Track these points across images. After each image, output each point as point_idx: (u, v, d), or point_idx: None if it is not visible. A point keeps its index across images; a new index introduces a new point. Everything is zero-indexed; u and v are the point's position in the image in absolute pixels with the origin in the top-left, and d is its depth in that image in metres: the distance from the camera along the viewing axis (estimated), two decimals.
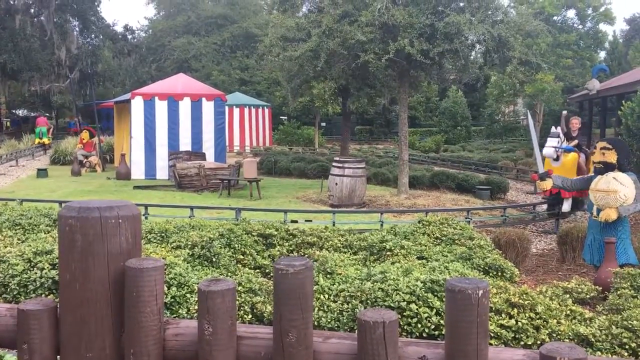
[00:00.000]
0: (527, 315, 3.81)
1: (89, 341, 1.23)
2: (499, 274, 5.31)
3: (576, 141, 10.32)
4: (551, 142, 10.22)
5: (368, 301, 4.29)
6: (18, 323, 1.27)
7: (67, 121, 42.22)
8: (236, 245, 6.50)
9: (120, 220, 1.26)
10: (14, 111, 49.84)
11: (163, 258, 4.93)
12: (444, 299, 3.94)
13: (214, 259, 6.03)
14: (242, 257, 6.37)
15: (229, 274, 5.64)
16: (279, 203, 12.22)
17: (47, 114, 50.64)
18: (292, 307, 1.14)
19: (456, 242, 6.24)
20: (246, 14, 42.70)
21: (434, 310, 3.91)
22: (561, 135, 10.28)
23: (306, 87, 15.67)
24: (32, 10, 33.97)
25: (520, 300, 3.92)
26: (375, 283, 4.44)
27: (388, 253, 5.98)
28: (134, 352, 1.21)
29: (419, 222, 6.93)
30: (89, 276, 1.23)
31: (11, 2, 32.02)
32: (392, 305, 4.17)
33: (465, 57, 11.22)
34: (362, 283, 4.47)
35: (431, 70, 12.60)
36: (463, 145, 29.83)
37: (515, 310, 3.86)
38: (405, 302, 4.03)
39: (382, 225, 8.64)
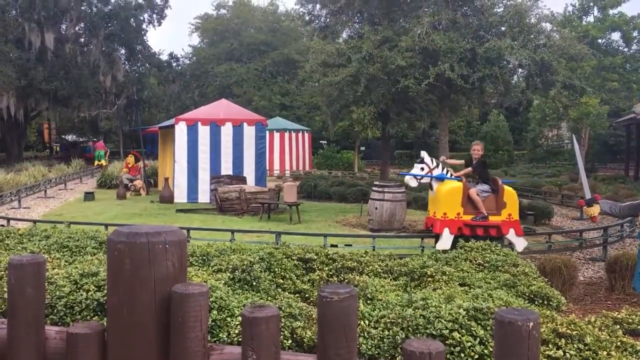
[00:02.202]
0: (575, 346, 3.67)
1: None
2: (545, 302, 5.15)
3: (469, 169, 9.27)
4: (415, 169, 9.38)
5: (409, 328, 4.22)
6: (67, 346, 1.30)
7: (83, 146, 43.32)
8: (276, 269, 6.51)
9: (167, 246, 1.28)
10: (63, 136, 51.60)
11: (204, 281, 4.97)
12: (487, 328, 3.84)
13: (254, 283, 6.04)
14: (282, 281, 6.37)
15: (269, 298, 5.64)
16: (318, 227, 12.22)
17: (95, 139, 52.27)
18: (336, 335, 1.13)
19: (499, 268, 6.10)
20: (287, 40, 43.41)
21: (478, 339, 3.81)
22: (430, 162, 9.37)
23: (346, 112, 15.76)
24: (82, 40, 35.34)
25: (568, 331, 3.79)
26: (416, 310, 4.37)
27: (429, 279, 5.88)
28: None
29: (460, 247, 6.81)
30: (136, 301, 1.25)
31: (62, 32, 33.38)
32: (434, 333, 4.08)
33: (506, 81, 11.11)
34: (403, 309, 4.40)
35: (472, 94, 12.51)
36: (505, 169, 29.33)
37: (563, 340, 3.73)
38: (447, 330, 3.94)
39: (422, 250, 8.52)
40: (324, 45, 12.89)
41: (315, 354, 1.23)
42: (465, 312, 4.08)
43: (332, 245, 8.48)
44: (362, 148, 34.18)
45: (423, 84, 10.48)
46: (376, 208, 11.56)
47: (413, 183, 9.33)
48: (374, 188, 12.02)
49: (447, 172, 9.32)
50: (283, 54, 41.45)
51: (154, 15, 36.91)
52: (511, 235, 8.71)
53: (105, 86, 34.20)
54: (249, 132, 17.38)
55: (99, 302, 5.00)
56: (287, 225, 12.59)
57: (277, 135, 28.41)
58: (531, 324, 1.02)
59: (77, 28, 34.22)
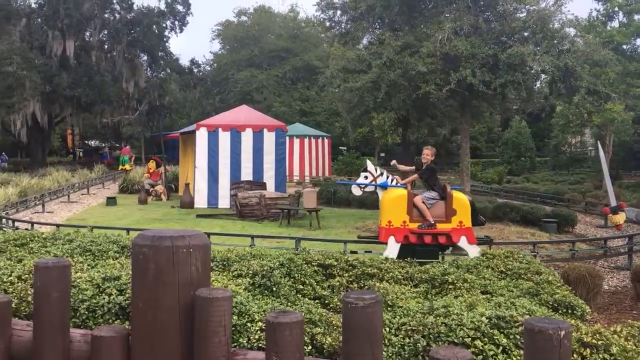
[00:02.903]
0: (600, 356, 3.60)
1: None
2: (569, 311, 5.06)
3: (415, 175, 9.11)
4: (360, 178, 9.25)
5: (430, 336, 4.17)
6: (92, 349, 1.30)
7: (100, 153, 43.77)
8: (296, 275, 6.50)
9: (191, 250, 1.28)
10: (86, 142, 52.34)
11: (225, 286, 4.98)
12: (511, 337, 3.78)
13: (274, 288, 6.04)
14: (301, 287, 6.36)
15: (289, 303, 5.63)
16: (338, 233, 12.19)
17: (117, 144, 52.90)
18: (361, 341, 1.12)
19: (522, 276, 6.01)
20: (307, 46, 43.56)
21: (500, 348, 3.76)
22: (373, 171, 9.26)
23: (366, 118, 15.74)
24: (106, 47, 35.87)
25: (593, 340, 3.71)
26: (438, 317, 4.32)
27: (450, 286, 5.83)
28: None
29: (482, 255, 6.74)
30: (160, 305, 1.25)
31: (87, 40, 33.92)
32: (455, 341, 4.04)
33: (528, 87, 10.99)
34: (424, 317, 4.36)
35: (494, 100, 12.41)
36: (527, 176, 29.00)
37: (588, 350, 3.65)
38: (469, 339, 3.89)
39: (443, 257, 8.45)
40: (344, 51, 12.89)
41: None
42: (487, 320, 4.03)
43: (352, 252, 8.45)
44: (382, 154, 34.07)
45: (444, 90, 10.42)
46: None
47: (357, 192, 9.24)
48: None
49: (392, 179, 9.23)
50: (303, 60, 41.59)
51: (176, 22, 37.34)
52: (463, 243, 8.49)
53: (128, 92, 34.65)
54: (269, 138, 17.43)
55: (121, 305, 5.03)
56: (306, 231, 12.59)
57: (296, 141, 28.46)
58: (562, 332, 1.00)
59: (100, 35, 34.74)
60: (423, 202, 8.44)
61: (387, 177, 9.34)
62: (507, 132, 33.81)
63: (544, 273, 6.01)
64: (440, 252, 8.54)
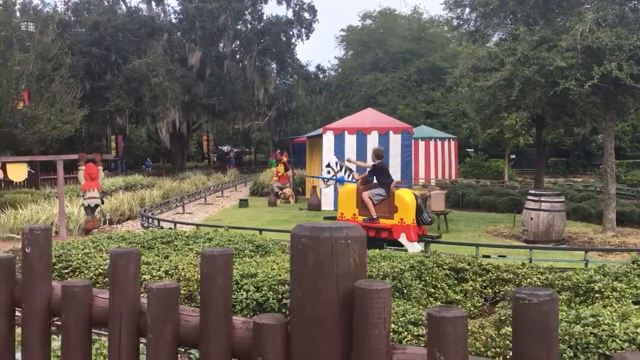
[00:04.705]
0: None
1: (318, 359, 1.25)
2: None
3: (365, 173, 9.55)
4: (323, 173, 10.23)
5: (578, 346, 3.91)
6: (254, 336, 1.34)
7: (227, 158, 45.50)
8: (427, 278, 6.38)
9: (349, 241, 1.27)
10: (219, 147, 55.42)
11: None
12: None
13: (405, 291, 5.97)
14: (433, 290, 6.23)
15: (420, 307, 5.53)
16: (467, 237, 11.83)
17: (247, 149, 55.44)
18: (535, 341, 1.04)
19: None
20: (432, 47, 42.86)
21: None
22: (334, 167, 10.26)
23: (496, 118, 15.09)
24: (237, 56, 37.77)
25: None
26: (585, 327, 4.04)
27: (597, 295, 5.42)
28: None
29: (632, 262, 6.19)
30: (319, 296, 1.25)
31: (220, 50, 35.94)
32: (607, 353, 3.76)
33: None
34: (570, 326, 4.09)
35: None
36: None
37: None
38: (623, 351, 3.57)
39: (586, 264, 7.89)
40: (474, 49, 12.47)
41: None
42: None
43: (484, 256, 8.15)
44: (513, 156, 32.57)
45: (586, 86, 9.70)
46: (532, 218, 10.93)
47: (322, 185, 10.59)
48: (530, 197, 11.37)
49: (349, 175, 10.17)
50: (428, 62, 40.96)
51: (303, 30, 38.39)
52: (402, 239, 8.86)
53: (258, 99, 36.19)
54: (395, 140, 17.34)
55: (258, 302, 5.24)
56: (434, 234, 12.34)
57: (422, 144, 28.05)
58: None
59: (232, 45, 36.63)
60: (370, 198, 8.99)
61: (345, 173, 10.47)
62: None
63: None
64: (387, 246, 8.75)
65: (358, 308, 1.22)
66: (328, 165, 10.62)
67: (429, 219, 9.66)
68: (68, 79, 22.55)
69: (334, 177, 10.45)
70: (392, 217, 8.98)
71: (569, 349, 3.86)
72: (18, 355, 1.87)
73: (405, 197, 9.08)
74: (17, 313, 1.89)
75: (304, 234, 1.28)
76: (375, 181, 9.38)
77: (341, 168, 10.60)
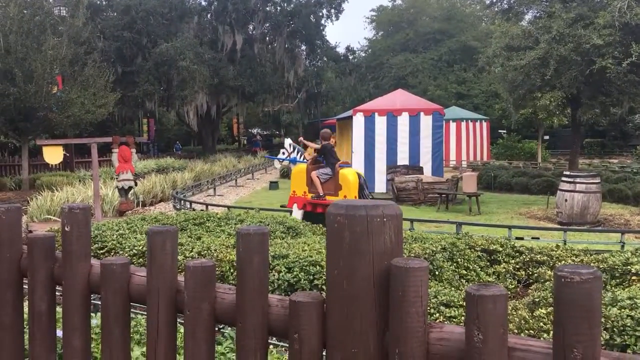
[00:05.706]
0: None
1: (354, 337, 1.25)
2: None
3: (315, 153, 10.24)
4: (279, 154, 11.40)
5: (614, 329, 3.85)
6: (290, 313, 1.34)
7: (253, 141, 45.57)
8: (459, 260, 6.34)
9: (385, 219, 1.26)
10: (249, 130, 55.68)
11: None
12: None
13: (436, 272, 5.95)
14: (465, 272, 6.20)
15: (452, 288, 5.50)
16: (500, 219, 11.69)
17: (277, 132, 55.56)
18: (577, 319, 1.02)
19: None
20: (464, 27, 42.10)
21: None
22: (288, 147, 11.49)
23: (529, 98, 14.78)
24: (267, 39, 37.71)
25: None
26: (622, 309, 3.97)
27: (634, 278, 5.32)
28: (399, 352, 1.20)
29: None
30: (355, 274, 1.25)
31: (250, 33, 35.93)
32: None
33: None
34: (606, 308, 4.03)
35: None
36: None
37: None
38: None
39: (623, 247, 7.73)
40: (508, 27, 12.20)
41: (545, 340, 1.13)
42: None
43: (517, 238, 8.05)
44: (546, 137, 31.95)
45: (624, 64, 9.42)
46: (566, 200, 10.74)
47: (277, 165, 11.65)
48: (564, 178, 11.16)
49: (301, 155, 10.92)
50: (459, 42, 40.27)
51: (332, 10, 38.08)
52: None
53: (288, 81, 36.14)
54: (426, 121, 17.16)
55: (290, 282, 5.28)
56: (466, 216, 12.23)
57: (453, 125, 27.72)
58: None
59: (262, 28, 36.57)
60: (317, 177, 9.52)
61: (298, 153, 11.38)
62: None
63: None
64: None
65: (394, 286, 1.21)
66: (283, 146, 11.65)
67: (370, 197, 10.05)
68: (100, 63, 22.85)
69: (288, 158, 11.38)
70: (337, 194, 9.38)
71: (605, 332, 3.81)
72: (59, 332, 1.92)
73: (349, 176, 9.50)
74: (57, 292, 1.94)
75: (340, 212, 1.28)
76: (324, 162, 9.87)
77: (294, 149, 11.52)
